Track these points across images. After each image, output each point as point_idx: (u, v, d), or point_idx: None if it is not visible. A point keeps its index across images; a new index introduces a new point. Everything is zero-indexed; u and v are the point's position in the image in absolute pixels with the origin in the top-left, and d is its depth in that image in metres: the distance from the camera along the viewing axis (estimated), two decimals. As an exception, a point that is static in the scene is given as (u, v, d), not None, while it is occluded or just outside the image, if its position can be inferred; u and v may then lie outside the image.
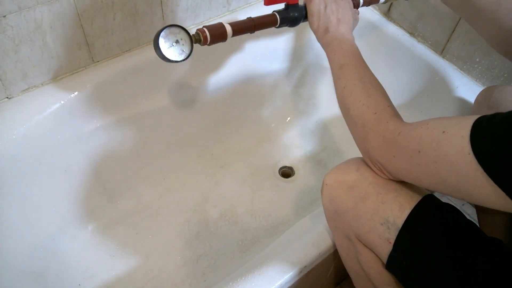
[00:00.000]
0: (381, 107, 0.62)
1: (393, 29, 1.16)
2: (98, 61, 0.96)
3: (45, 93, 0.89)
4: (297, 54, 1.27)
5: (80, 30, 0.88)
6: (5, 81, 0.85)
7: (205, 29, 0.71)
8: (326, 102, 1.33)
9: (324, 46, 0.76)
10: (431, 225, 0.56)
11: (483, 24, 0.74)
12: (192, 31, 0.71)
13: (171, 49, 0.67)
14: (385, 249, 0.60)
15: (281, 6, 0.82)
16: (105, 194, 1.08)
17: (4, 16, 0.76)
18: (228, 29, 0.73)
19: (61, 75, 0.92)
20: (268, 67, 1.23)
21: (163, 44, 0.66)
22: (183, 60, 0.69)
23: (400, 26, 1.16)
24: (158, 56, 0.68)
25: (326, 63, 1.29)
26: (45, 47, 0.85)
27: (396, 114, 0.62)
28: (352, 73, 0.69)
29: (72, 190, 1.00)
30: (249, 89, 1.23)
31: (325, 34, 0.76)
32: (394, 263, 0.60)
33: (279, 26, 0.81)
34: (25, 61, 0.84)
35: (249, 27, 0.77)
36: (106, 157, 1.05)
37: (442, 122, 0.51)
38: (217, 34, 0.71)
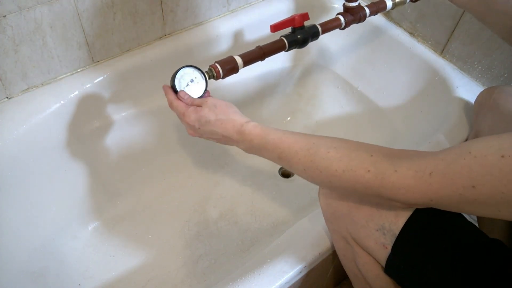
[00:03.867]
0: (364, 161, 0.52)
1: (393, 29, 1.16)
2: (98, 61, 0.96)
3: (45, 93, 0.89)
4: (297, 54, 1.27)
5: (80, 30, 0.88)
6: (5, 81, 0.85)
7: (217, 64, 0.74)
8: (326, 102, 1.33)
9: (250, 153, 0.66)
10: (430, 228, 0.56)
11: (495, 17, 0.73)
12: (205, 67, 0.73)
13: (188, 88, 0.71)
14: (382, 254, 0.60)
15: (287, 30, 0.83)
16: (105, 194, 1.08)
17: (4, 16, 0.76)
18: (239, 61, 0.76)
19: (61, 75, 0.92)
20: (269, 67, 1.23)
21: (179, 85, 0.70)
22: (201, 96, 0.72)
23: (400, 26, 1.16)
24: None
25: (326, 63, 1.30)
26: (45, 47, 0.85)
27: (389, 154, 0.52)
28: (294, 154, 0.58)
29: (72, 190, 1.00)
30: (249, 89, 1.23)
31: (237, 146, 0.66)
32: (393, 267, 0.60)
33: (288, 50, 0.83)
34: (25, 61, 0.84)
35: (259, 56, 0.79)
36: (106, 157, 1.05)
37: (489, 144, 0.44)
38: (229, 68, 0.75)
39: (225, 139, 0.66)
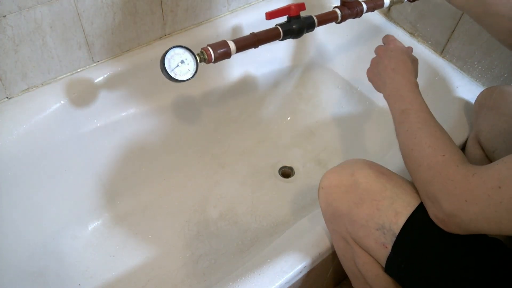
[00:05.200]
0: (450, 150, 0.57)
1: (393, 30, 1.16)
2: (98, 61, 0.96)
3: (45, 93, 0.89)
4: (297, 54, 1.27)
5: (80, 30, 0.88)
6: (5, 81, 0.85)
7: (209, 47, 0.71)
8: (326, 102, 1.33)
9: (386, 99, 0.73)
10: (430, 227, 0.56)
11: (492, 19, 0.73)
12: (197, 50, 0.71)
13: (177, 69, 0.69)
14: (382, 253, 0.60)
15: (283, 19, 0.82)
16: (105, 194, 1.08)
17: (4, 16, 0.76)
18: (232, 46, 0.74)
19: (61, 75, 0.92)
20: (269, 67, 1.23)
21: (168, 65, 0.68)
22: (189, 79, 0.70)
23: (400, 26, 1.16)
24: (165, 76, 0.70)
25: (326, 63, 1.30)
26: (45, 47, 0.85)
27: (466, 160, 0.56)
28: (414, 116, 0.65)
29: (72, 190, 1.00)
30: (249, 89, 1.23)
31: (385, 87, 0.73)
32: (393, 267, 0.60)
33: (283, 39, 0.81)
34: (25, 61, 0.84)
35: (252, 42, 0.77)
36: (106, 157, 1.05)
37: None
38: (221, 52, 0.72)
39: (392, 69, 0.73)
